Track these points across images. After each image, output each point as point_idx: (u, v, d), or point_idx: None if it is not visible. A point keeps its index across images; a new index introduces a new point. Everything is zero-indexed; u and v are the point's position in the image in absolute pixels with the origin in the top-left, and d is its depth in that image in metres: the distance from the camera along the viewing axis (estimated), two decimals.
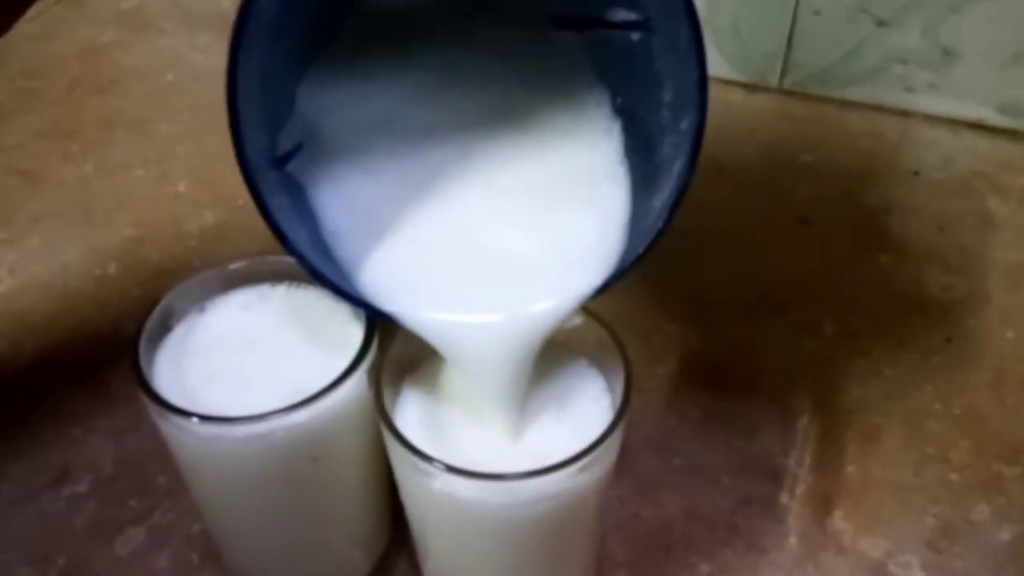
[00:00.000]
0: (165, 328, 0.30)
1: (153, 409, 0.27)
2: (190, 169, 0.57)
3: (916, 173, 0.55)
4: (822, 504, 0.38)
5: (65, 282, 0.49)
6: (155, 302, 0.29)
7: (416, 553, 0.33)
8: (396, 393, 0.30)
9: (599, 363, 0.30)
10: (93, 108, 0.62)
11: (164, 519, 0.38)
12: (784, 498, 0.38)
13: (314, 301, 0.31)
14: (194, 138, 0.60)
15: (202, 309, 0.31)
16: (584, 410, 0.29)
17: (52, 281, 0.49)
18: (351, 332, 0.30)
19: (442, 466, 0.26)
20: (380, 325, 0.29)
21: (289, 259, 0.31)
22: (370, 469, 0.31)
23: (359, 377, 0.28)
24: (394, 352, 0.29)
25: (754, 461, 0.40)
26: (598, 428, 0.27)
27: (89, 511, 0.38)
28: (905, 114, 0.60)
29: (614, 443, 0.27)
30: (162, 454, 0.41)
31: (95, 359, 0.45)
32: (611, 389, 0.29)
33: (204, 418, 0.26)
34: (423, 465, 0.26)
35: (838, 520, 0.37)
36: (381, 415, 0.27)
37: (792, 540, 0.37)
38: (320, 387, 0.27)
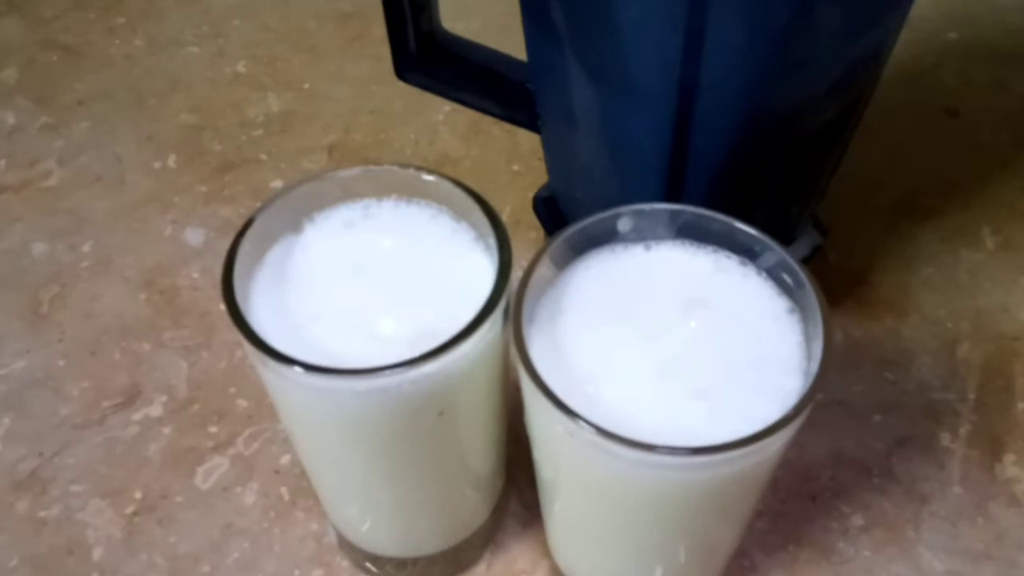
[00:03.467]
0: (259, 251, 0.25)
1: (253, 353, 0.23)
2: (248, 46, 0.51)
3: None
4: (990, 446, 0.33)
5: (120, 174, 0.44)
6: (248, 221, 0.24)
7: (539, 497, 0.29)
8: (529, 335, 0.25)
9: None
10: None
11: (248, 448, 0.34)
12: (946, 439, 0.34)
13: (429, 220, 0.26)
14: (250, 9, 0.53)
15: (299, 228, 0.26)
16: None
17: (106, 173, 0.44)
18: (475, 258, 0.25)
19: (592, 428, 0.22)
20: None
21: (396, 168, 0.26)
22: (495, 416, 0.27)
23: (495, 319, 0.23)
24: (531, 288, 0.24)
25: (908, 395, 0.35)
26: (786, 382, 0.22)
27: (165, 438, 0.35)
28: None
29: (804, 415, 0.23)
30: (240, 374, 0.37)
31: (160, 264, 0.40)
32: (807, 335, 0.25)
33: (313, 368, 0.22)
34: (570, 423, 0.22)
35: (1009, 465, 0.33)
36: (526, 367, 0.22)
37: (957, 488, 0.32)
38: (451, 333, 0.22)
